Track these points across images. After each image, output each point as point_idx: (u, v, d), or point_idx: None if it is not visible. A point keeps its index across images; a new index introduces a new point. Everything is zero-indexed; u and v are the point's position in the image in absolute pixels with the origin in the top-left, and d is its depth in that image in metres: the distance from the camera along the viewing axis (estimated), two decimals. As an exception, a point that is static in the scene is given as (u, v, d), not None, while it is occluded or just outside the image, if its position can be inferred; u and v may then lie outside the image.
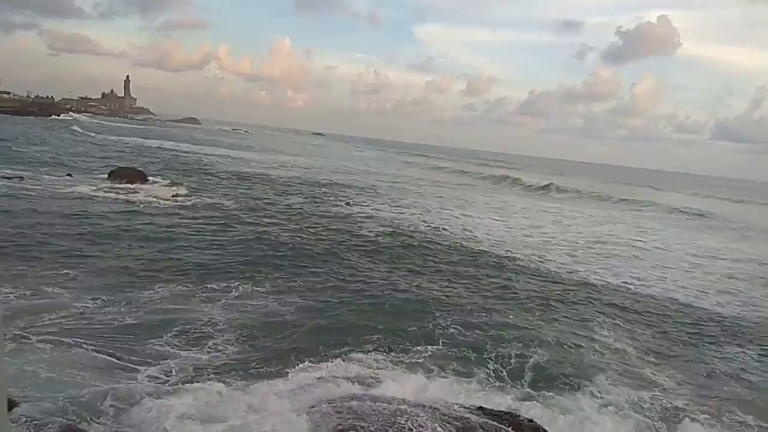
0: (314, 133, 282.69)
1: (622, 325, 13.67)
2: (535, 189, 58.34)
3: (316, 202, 29.10)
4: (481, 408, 7.59)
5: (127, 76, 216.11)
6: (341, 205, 28.95)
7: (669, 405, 9.29)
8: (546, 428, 7.36)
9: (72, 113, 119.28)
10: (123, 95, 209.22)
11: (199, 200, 25.01)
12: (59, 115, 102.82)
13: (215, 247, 16.99)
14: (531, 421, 7.42)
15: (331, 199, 31.35)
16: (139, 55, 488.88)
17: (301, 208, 26.24)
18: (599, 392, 9.41)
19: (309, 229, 21.10)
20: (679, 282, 19.25)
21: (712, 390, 10.37)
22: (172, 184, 29.33)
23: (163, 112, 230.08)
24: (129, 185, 26.48)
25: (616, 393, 9.45)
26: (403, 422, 6.21)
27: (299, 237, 19.44)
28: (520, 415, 7.53)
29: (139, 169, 30.96)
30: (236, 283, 13.45)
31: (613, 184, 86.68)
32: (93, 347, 9.03)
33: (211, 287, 12.99)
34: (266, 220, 22.29)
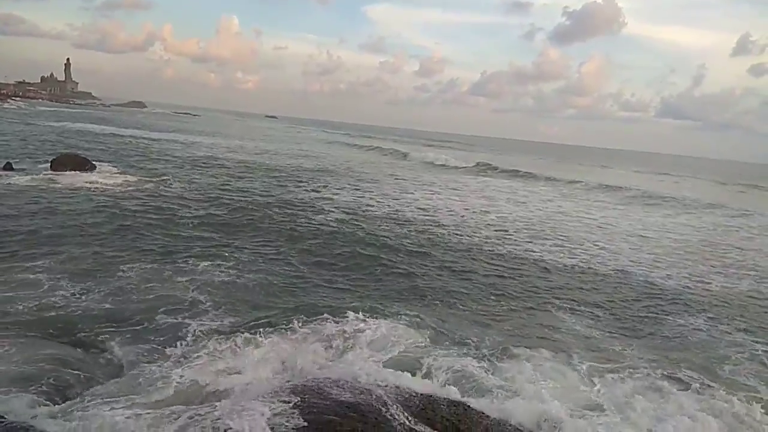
0: (266, 116, 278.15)
1: (577, 300, 14.16)
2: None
3: (268, 186, 28.78)
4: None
5: (68, 59, 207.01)
6: (295, 189, 28.73)
7: (626, 371, 9.66)
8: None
9: (10, 99, 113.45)
10: (64, 79, 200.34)
11: (149, 186, 24.36)
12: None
13: (172, 230, 16.95)
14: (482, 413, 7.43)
15: (285, 183, 31.07)
16: (79, 36, 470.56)
17: (253, 192, 25.98)
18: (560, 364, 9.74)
19: (261, 211, 21.38)
20: (630, 257, 20.01)
21: (661, 351, 10.93)
22: (120, 170, 28.43)
23: (107, 96, 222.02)
24: (74, 172, 25.46)
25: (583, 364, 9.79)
26: (363, 402, 6.30)
27: (251, 218, 19.85)
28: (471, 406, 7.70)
29: (84, 156, 29.74)
30: (198, 262, 13.81)
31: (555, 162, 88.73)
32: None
33: (176, 266, 13.30)
34: (221, 204, 22.16)
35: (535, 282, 15.50)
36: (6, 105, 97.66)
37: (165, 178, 27.72)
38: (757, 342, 12.07)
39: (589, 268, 17.71)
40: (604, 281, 16.30)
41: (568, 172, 62.64)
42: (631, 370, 9.80)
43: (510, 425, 6.76)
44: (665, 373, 9.83)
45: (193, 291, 11.80)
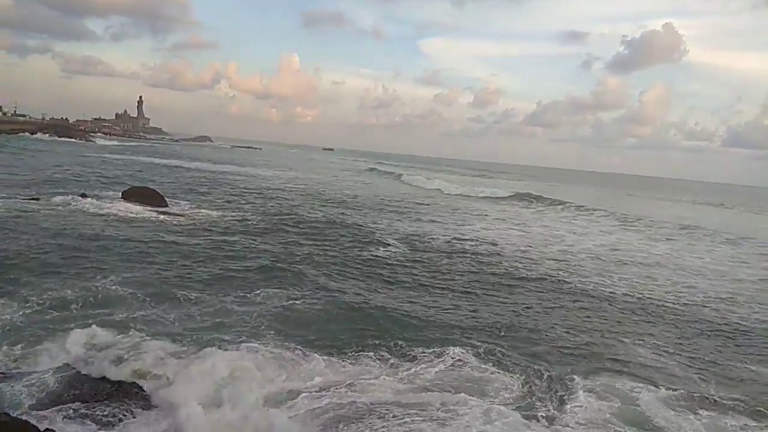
0: (324, 149, 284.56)
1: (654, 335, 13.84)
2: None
3: (333, 218, 29.51)
4: None
5: (140, 97, 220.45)
6: (356, 220, 29.34)
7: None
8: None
9: (87, 134, 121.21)
10: (136, 115, 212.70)
11: (215, 215, 25.57)
12: (73, 138, 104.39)
13: (235, 258, 17.76)
14: None
15: (348, 213, 31.79)
16: (151, 75, 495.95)
17: (318, 223, 26.72)
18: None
19: (329, 243, 22.04)
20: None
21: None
22: (188, 201, 29.99)
23: (176, 131, 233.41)
24: (143, 204, 27.00)
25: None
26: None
27: (322, 251, 20.40)
28: None
29: (155, 188, 31.50)
30: (261, 290, 14.45)
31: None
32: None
33: (238, 294, 13.96)
34: (291, 235, 23.18)
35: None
36: (82, 141, 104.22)
37: (230, 208, 29.05)
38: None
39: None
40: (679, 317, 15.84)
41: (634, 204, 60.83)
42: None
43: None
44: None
45: (256, 317, 12.30)
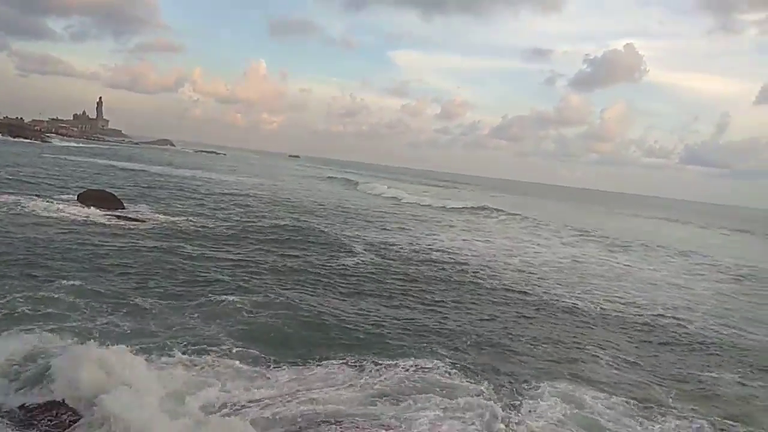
0: (290, 156, 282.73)
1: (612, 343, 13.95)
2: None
3: (298, 225, 29.10)
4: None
5: (100, 98, 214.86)
6: (321, 228, 28.99)
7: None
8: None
9: (43, 134, 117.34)
10: (95, 116, 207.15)
11: (175, 221, 24.87)
12: (28, 138, 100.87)
13: (195, 265, 17.19)
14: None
15: (313, 222, 31.39)
16: (112, 77, 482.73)
17: (281, 232, 26.26)
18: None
19: (290, 252, 21.48)
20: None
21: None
22: (146, 206, 29.17)
23: (136, 134, 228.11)
24: (98, 207, 26.10)
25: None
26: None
27: (281, 258, 19.91)
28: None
29: (112, 191, 30.53)
30: (227, 298, 13.99)
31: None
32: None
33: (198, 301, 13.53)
34: (254, 242, 22.66)
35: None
36: (38, 141, 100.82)
37: (191, 214, 28.33)
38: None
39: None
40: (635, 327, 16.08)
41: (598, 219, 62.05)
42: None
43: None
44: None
45: (215, 327, 11.94)
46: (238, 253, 20.01)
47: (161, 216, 26.70)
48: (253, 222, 28.41)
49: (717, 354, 14.44)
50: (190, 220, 26.32)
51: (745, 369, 13.29)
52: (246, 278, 16.41)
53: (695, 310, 19.32)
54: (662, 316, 17.88)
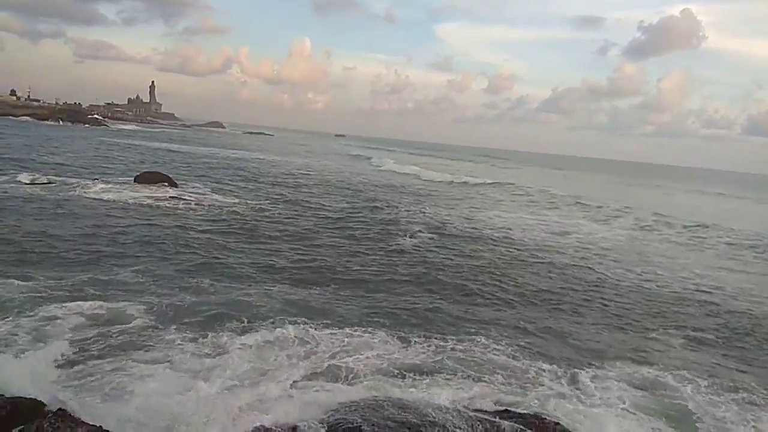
0: (336, 135, 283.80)
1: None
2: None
3: (349, 206, 29.23)
4: (506, 410, 7.55)
5: (152, 82, 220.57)
6: (374, 207, 29.04)
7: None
8: (570, 428, 7.29)
9: (98, 117, 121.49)
10: (148, 100, 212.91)
11: (228, 201, 25.37)
12: (86, 123, 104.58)
13: (249, 244, 17.40)
14: (558, 423, 7.36)
15: (365, 202, 31.49)
16: (162, 60, 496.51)
17: (334, 212, 26.47)
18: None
19: (344, 231, 21.78)
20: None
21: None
22: (201, 187, 29.85)
23: (188, 117, 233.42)
24: (155, 188, 26.86)
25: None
26: (425, 425, 6.20)
27: (335, 238, 20.13)
28: (546, 417, 7.47)
29: (167, 173, 31.34)
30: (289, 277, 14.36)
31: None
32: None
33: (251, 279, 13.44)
34: (308, 223, 22.85)
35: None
36: (96, 126, 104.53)
37: (244, 195, 28.87)
38: None
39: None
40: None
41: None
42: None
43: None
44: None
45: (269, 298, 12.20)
46: (293, 233, 20.25)
47: (216, 196, 27.24)
48: (306, 202, 28.70)
49: None
50: (245, 201, 26.76)
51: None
52: (301, 257, 16.60)
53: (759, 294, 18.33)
54: (732, 298, 17.06)
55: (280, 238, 19.26)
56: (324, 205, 28.50)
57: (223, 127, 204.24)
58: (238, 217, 22.56)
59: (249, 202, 26.80)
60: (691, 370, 10.61)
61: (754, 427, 8.55)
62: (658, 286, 17.71)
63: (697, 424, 8.53)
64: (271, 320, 10.97)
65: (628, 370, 10.35)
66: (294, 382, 8.43)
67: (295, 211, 25.58)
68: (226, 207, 24.57)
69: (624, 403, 8.93)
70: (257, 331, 10.30)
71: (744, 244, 27.08)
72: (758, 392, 9.84)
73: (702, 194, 72.44)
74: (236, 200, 26.85)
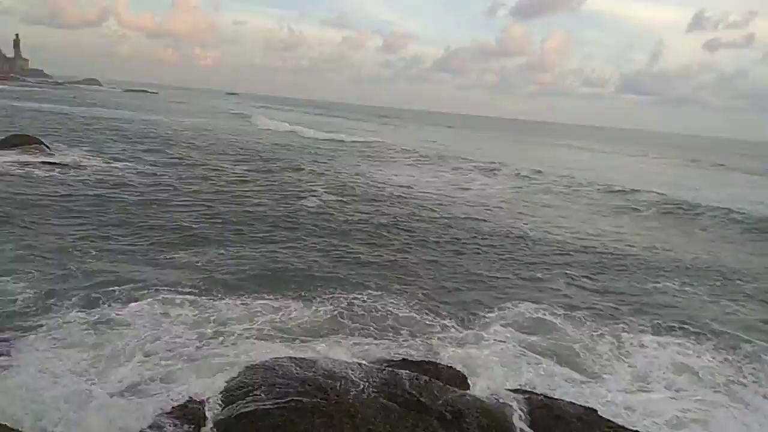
0: (228, 93, 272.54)
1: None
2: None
3: (243, 168, 28.34)
4: (404, 359, 7.87)
5: (17, 35, 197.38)
6: (269, 169, 28.38)
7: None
8: (464, 372, 7.75)
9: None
10: (13, 56, 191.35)
11: (105, 167, 23.68)
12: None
13: (148, 216, 16.37)
14: (451, 367, 7.79)
15: (259, 163, 30.66)
16: (29, 11, 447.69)
17: (226, 175, 25.57)
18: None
19: (243, 197, 21.00)
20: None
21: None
22: (74, 151, 27.56)
23: (60, 74, 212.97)
24: (24, 153, 24.48)
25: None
26: (325, 379, 6.32)
27: (228, 203, 19.40)
28: (440, 363, 7.88)
29: (37, 136, 28.57)
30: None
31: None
32: None
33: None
34: (197, 187, 21.77)
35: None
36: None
37: (127, 158, 27.03)
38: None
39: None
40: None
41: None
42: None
43: (472, 396, 6.87)
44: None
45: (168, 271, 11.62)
46: (184, 199, 19.34)
47: (96, 161, 25.33)
48: (194, 165, 27.49)
49: (655, 269, 15.58)
50: (128, 165, 25.12)
51: (680, 278, 14.67)
52: (195, 223, 16.01)
53: (628, 240, 20.29)
54: (606, 241, 18.71)
55: (172, 204, 18.32)
56: (210, 164, 27.51)
57: (101, 85, 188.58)
58: (124, 182, 21.16)
59: (134, 166, 25.18)
60: (575, 309, 11.67)
61: (626, 362, 9.51)
62: (544, 233, 19.12)
63: (578, 360, 9.39)
64: (166, 290, 10.49)
65: (519, 313, 11.19)
66: (190, 350, 8.21)
67: (185, 174, 24.47)
68: (108, 172, 22.94)
69: (515, 344, 9.64)
70: (148, 303, 9.83)
71: (614, 194, 29.60)
72: (633, 326, 11.05)
73: (581, 150, 77.98)
74: (119, 164, 25.14)
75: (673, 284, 14.27)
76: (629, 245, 18.58)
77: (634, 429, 6.69)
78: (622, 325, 11.02)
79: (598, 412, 6.75)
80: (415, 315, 10.60)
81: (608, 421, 6.58)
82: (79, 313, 9.17)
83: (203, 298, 10.41)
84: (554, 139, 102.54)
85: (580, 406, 6.90)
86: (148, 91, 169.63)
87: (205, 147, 36.11)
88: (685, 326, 11.20)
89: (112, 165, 24.64)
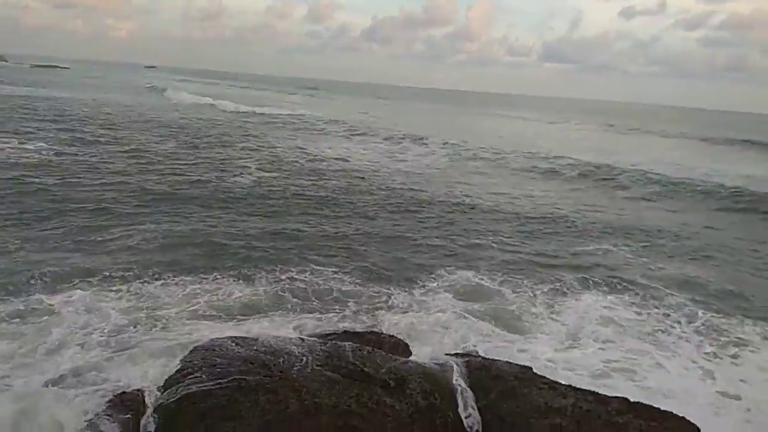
0: (146, 66, 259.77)
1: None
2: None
3: (162, 145, 27.16)
4: (345, 332, 7.92)
5: None
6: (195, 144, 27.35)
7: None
8: (405, 340, 7.90)
9: None
10: None
11: (23, 150, 22.07)
12: None
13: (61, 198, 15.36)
14: (392, 336, 7.92)
15: (183, 138, 29.49)
16: None
17: (147, 152, 24.43)
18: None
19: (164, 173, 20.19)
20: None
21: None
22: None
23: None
24: None
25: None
26: (267, 356, 6.27)
27: (152, 178, 18.53)
28: (382, 333, 7.99)
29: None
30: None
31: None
32: None
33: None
34: (115, 166, 20.73)
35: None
36: None
37: (39, 138, 25.24)
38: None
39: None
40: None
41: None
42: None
43: (414, 362, 7.02)
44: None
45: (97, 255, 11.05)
46: (109, 179, 18.37)
47: (10, 142, 23.46)
48: (116, 143, 26.11)
49: (582, 230, 16.46)
50: (44, 146, 23.46)
51: (606, 238, 15.65)
52: (122, 203, 15.35)
53: (555, 203, 21.16)
54: (534, 206, 19.42)
55: (96, 184, 17.33)
56: (133, 142, 26.30)
57: (5, 60, 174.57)
58: (42, 163, 19.81)
59: (51, 146, 23.53)
60: (510, 272, 12.12)
61: (559, 319, 10.00)
62: (478, 199, 19.77)
63: (514, 321, 9.78)
64: (97, 275, 10.02)
65: (458, 279, 11.51)
66: (126, 336, 7.93)
67: (107, 153, 23.19)
68: (23, 153, 21.34)
69: (455, 309, 9.90)
70: (79, 289, 9.35)
71: (539, 160, 30.66)
72: (565, 285, 11.61)
73: (508, 119, 79.96)
74: (34, 145, 23.45)
75: (600, 244, 15.08)
76: (557, 208, 19.38)
77: (567, 383, 7.05)
78: (554, 286, 11.56)
79: (534, 370, 7.05)
80: (358, 287, 10.66)
81: (543, 377, 6.89)
82: (4, 304, 8.61)
83: (137, 281, 10.02)
84: (481, 109, 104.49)
85: (517, 365, 7.16)
86: (59, 66, 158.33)
87: (125, 124, 34.31)
88: (613, 283, 11.92)
89: (27, 146, 22.97)
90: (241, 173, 21.01)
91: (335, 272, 11.25)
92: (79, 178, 18.01)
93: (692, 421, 5.72)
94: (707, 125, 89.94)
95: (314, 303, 9.77)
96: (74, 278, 9.84)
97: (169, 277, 10.36)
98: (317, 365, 6.29)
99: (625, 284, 11.92)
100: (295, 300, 9.84)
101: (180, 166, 21.51)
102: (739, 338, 9.69)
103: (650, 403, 6.04)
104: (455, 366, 6.86)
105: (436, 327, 9.05)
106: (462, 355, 7.44)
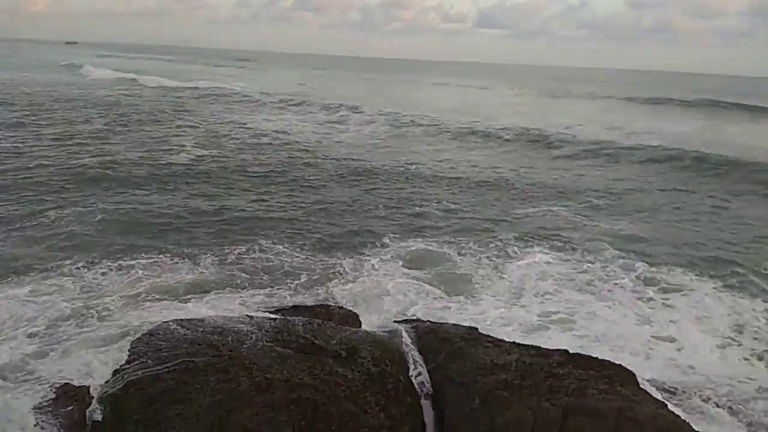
0: (67, 42, 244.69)
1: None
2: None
3: (89, 125, 25.81)
4: (294, 306, 7.92)
5: None
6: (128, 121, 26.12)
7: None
8: (355, 310, 7.98)
9: None
10: None
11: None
12: None
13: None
14: (341, 307, 7.98)
15: (111, 116, 28.10)
16: None
17: (74, 131, 23.16)
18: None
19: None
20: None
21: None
22: None
23: None
24: None
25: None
26: (216, 336, 6.20)
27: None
28: (330, 305, 8.04)
29: None
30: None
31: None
32: None
33: None
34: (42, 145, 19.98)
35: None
36: None
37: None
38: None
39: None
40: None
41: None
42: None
43: (364, 332, 7.11)
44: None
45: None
46: (37, 163, 17.37)
47: None
48: (39, 126, 24.65)
49: (521, 191, 17.08)
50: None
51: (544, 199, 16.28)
52: (53, 187, 14.77)
53: (495, 167, 21.63)
54: (471, 172, 19.78)
55: (23, 169, 16.49)
56: (57, 123, 25.03)
57: None
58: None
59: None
60: (455, 236, 12.45)
61: (503, 278, 10.34)
62: (419, 167, 20.03)
63: (460, 284, 10.07)
64: (33, 266, 9.62)
65: (406, 246, 11.72)
66: (67, 327, 7.64)
67: (31, 136, 21.91)
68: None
69: (403, 277, 10.07)
70: (15, 282, 8.99)
71: (476, 126, 31.08)
72: (507, 246, 12.00)
73: (443, 86, 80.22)
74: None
75: (540, 205, 15.62)
76: (496, 172, 19.85)
77: (511, 340, 7.33)
78: (498, 247, 11.91)
79: (479, 330, 7.29)
80: (308, 260, 10.68)
81: (488, 336, 7.13)
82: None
83: (76, 268, 9.66)
84: (416, 77, 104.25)
85: (463, 326, 7.37)
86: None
87: (48, 105, 32.34)
88: (553, 241, 12.43)
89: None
90: (178, 151, 20.33)
91: (284, 247, 11.19)
92: (5, 164, 16.96)
93: (627, 366, 6.07)
94: (633, 86, 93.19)
95: (264, 279, 9.70)
96: (9, 271, 9.37)
97: (108, 262, 10.01)
98: (267, 341, 6.26)
99: (564, 242, 12.46)
100: (244, 276, 9.75)
101: (111, 146, 20.60)
102: (671, 284, 10.35)
103: (589, 353, 6.36)
104: (404, 332, 7.00)
105: (386, 295, 9.18)
106: (410, 321, 7.59)
